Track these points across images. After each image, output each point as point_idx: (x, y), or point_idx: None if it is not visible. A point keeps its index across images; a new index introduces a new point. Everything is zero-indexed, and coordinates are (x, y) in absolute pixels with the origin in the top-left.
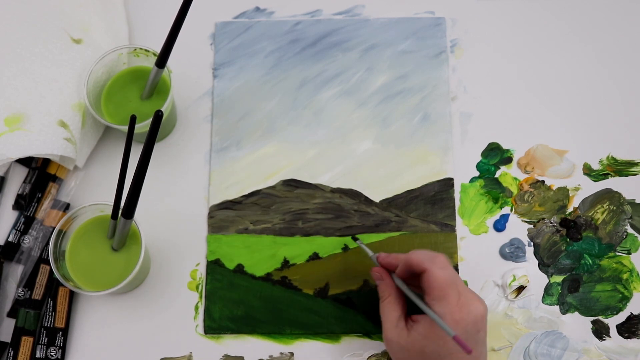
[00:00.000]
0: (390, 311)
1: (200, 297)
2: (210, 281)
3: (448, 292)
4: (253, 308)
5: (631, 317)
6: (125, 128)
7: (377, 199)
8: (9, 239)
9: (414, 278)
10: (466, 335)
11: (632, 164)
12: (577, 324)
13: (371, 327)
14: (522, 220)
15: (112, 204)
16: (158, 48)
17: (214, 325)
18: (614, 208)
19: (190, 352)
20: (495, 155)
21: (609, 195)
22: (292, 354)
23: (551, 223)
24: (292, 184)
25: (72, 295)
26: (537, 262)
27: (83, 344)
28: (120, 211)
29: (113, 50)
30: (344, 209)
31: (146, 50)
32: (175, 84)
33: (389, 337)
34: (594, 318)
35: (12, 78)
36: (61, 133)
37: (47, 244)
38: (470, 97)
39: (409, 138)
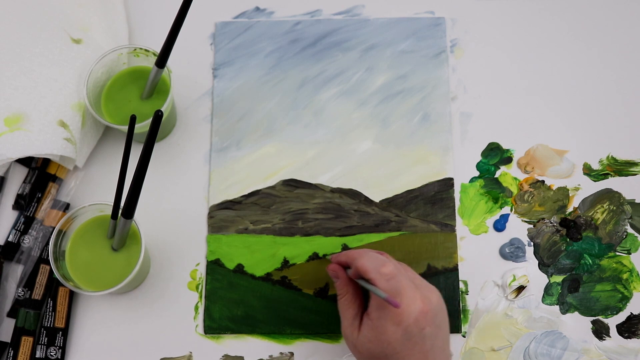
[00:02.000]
0: (346, 309)
1: (200, 297)
2: (210, 281)
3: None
4: (253, 308)
5: (631, 317)
6: (125, 128)
7: (377, 199)
8: (9, 239)
9: None
10: (409, 335)
11: (632, 164)
12: (577, 324)
13: None
14: (522, 220)
15: (112, 204)
16: (158, 48)
17: (214, 325)
18: (614, 208)
19: (190, 352)
20: (495, 155)
21: (609, 195)
22: (292, 354)
23: (551, 223)
24: (292, 184)
25: (72, 295)
26: (537, 262)
27: (83, 344)
28: (120, 211)
29: (113, 50)
30: (344, 209)
31: (146, 50)
32: (175, 84)
33: (344, 334)
34: (594, 318)
35: (12, 78)
36: (61, 133)
37: (47, 244)
38: (470, 97)
39: (409, 138)
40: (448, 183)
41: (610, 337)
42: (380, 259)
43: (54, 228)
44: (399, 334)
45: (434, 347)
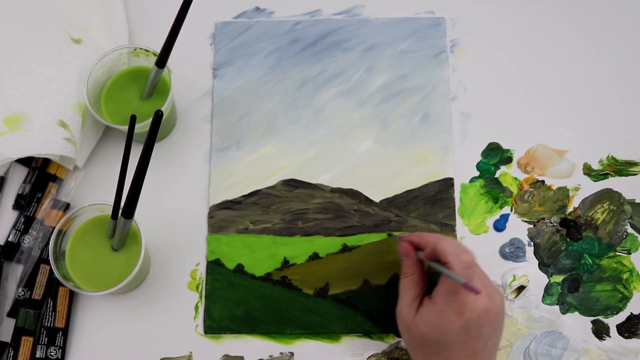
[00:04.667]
0: (408, 289)
1: (200, 297)
2: (210, 281)
3: (459, 290)
4: (253, 308)
5: (631, 317)
6: (125, 128)
7: (377, 199)
8: (9, 239)
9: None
10: (467, 329)
11: (632, 164)
12: (577, 324)
13: (371, 327)
14: (522, 220)
15: (112, 204)
16: (158, 48)
17: (214, 325)
18: (614, 208)
19: (190, 352)
20: (495, 155)
21: (609, 195)
22: (292, 354)
23: (551, 223)
24: (292, 184)
25: (72, 295)
26: (537, 262)
27: (83, 344)
28: (120, 211)
29: (113, 50)
30: (344, 209)
31: (146, 50)
32: (175, 84)
33: (400, 313)
34: (594, 318)
35: (12, 78)
36: (61, 133)
37: (47, 244)
38: (470, 97)
39: (409, 138)
40: (448, 183)
41: (610, 337)
42: (461, 245)
43: (54, 228)
44: (457, 324)
45: (485, 349)
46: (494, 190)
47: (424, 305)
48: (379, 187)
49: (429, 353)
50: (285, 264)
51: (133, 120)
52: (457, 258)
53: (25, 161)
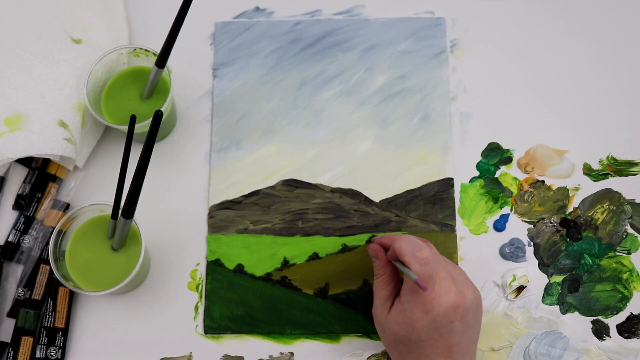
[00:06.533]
0: (380, 289)
1: (200, 297)
2: (210, 281)
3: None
4: (253, 308)
5: (631, 317)
6: (125, 128)
7: (377, 199)
8: (9, 239)
9: None
10: (436, 325)
11: (632, 164)
12: (577, 324)
13: (371, 327)
14: (522, 220)
15: (112, 204)
16: (158, 48)
17: (214, 325)
18: (614, 208)
19: (190, 352)
20: (495, 155)
21: (609, 195)
22: (292, 354)
23: (551, 223)
24: (292, 184)
25: (72, 295)
26: (537, 262)
27: (83, 344)
28: (120, 211)
29: (113, 50)
30: (343, 209)
31: (146, 50)
32: (175, 84)
33: (374, 313)
34: (594, 318)
35: (12, 78)
36: (61, 133)
37: (47, 244)
38: (470, 97)
39: (409, 138)
40: (448, 183)
41: (610, 337)
42: (418, 243)
43: (54, 228)
44: (426, 321)
45: (459, 344)
46: (494, 190)
47: (394, 305)
48: (379, 187)
49: (403, 352)
50: (285, 264)
51: (133, 120)
52: (413, 256)
53: (25, 161)
